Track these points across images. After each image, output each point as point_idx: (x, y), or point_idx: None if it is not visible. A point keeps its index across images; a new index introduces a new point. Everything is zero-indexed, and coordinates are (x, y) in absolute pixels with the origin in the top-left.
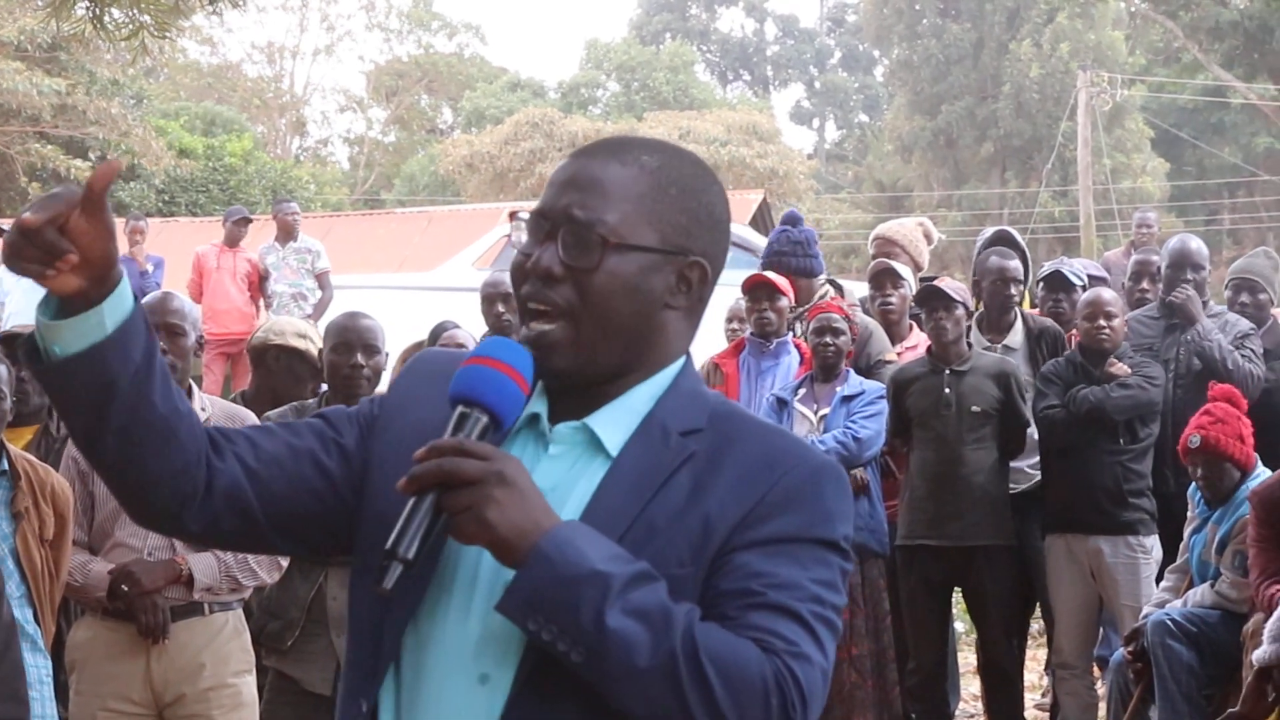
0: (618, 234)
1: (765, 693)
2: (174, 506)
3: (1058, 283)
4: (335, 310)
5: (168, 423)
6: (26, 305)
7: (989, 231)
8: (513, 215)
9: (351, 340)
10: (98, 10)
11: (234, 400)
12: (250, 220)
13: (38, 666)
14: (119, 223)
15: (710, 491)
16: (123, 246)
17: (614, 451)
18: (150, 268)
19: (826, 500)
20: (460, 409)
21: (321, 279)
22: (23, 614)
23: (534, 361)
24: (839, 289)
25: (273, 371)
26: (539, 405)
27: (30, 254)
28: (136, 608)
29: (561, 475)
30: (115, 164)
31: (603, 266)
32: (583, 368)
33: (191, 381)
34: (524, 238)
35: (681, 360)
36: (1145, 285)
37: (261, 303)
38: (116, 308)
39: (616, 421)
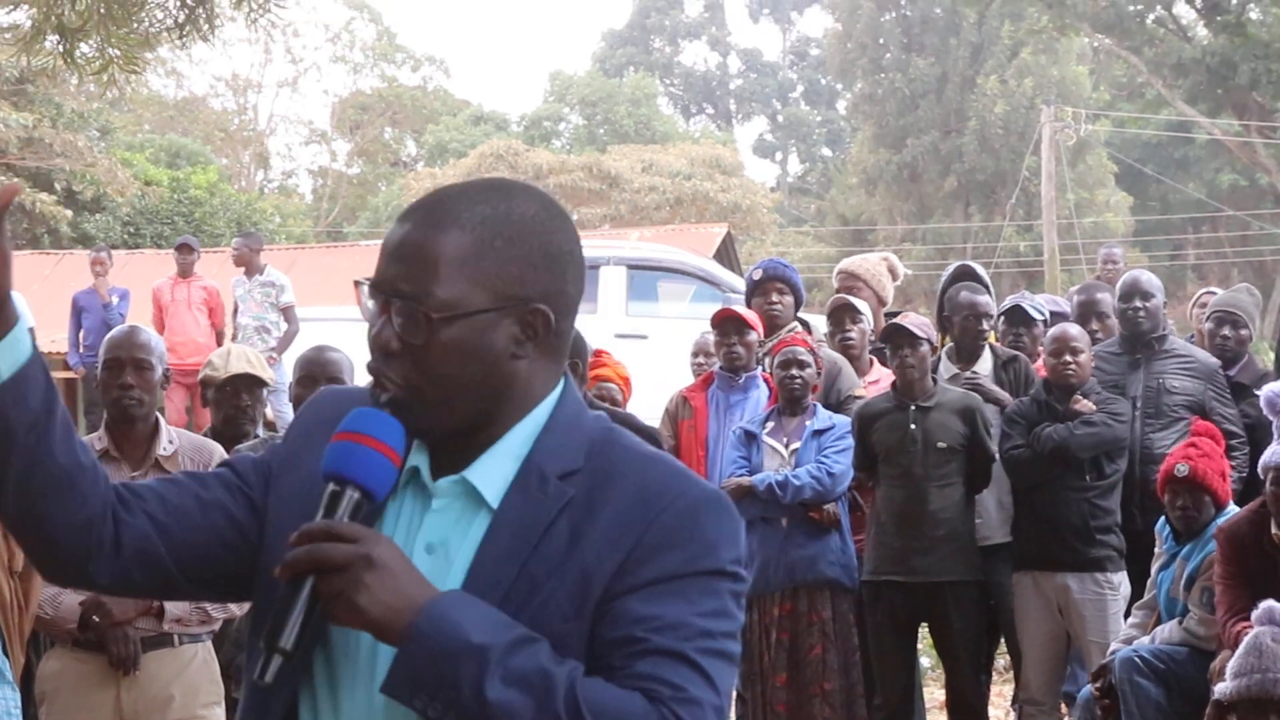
0: (445, 305)
1: None
2: (79, 559)
3: (1018, 317)
4: (302, 343)
5: (68, 474)
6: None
7: (952, 267)
8: (357, 284)
9: (316, 373)
10: (68, 45)
11: (205, 435)
12: (194, 250)
13: (6, 699)
14: (84, 254)
15: (587, 539)
16: (87, 279)
17: (494, 503)
18: (115, 299)
19: (706, 531)
20: (331, 487)
21: (287, 312)
22: None
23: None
24: (804, 324)
25: (207, 405)
26: (419, 459)
27: None
28: (107, 638)
29: (447, 530)
30: (13, 187)
31: (435, 340)
32: (436, 427)
33: (158, 414)
34: (370, 304)
35: (556, 392)
36: (1094, 325)
37: (227, 333)
38: (11, 353)
39: (494, 471)
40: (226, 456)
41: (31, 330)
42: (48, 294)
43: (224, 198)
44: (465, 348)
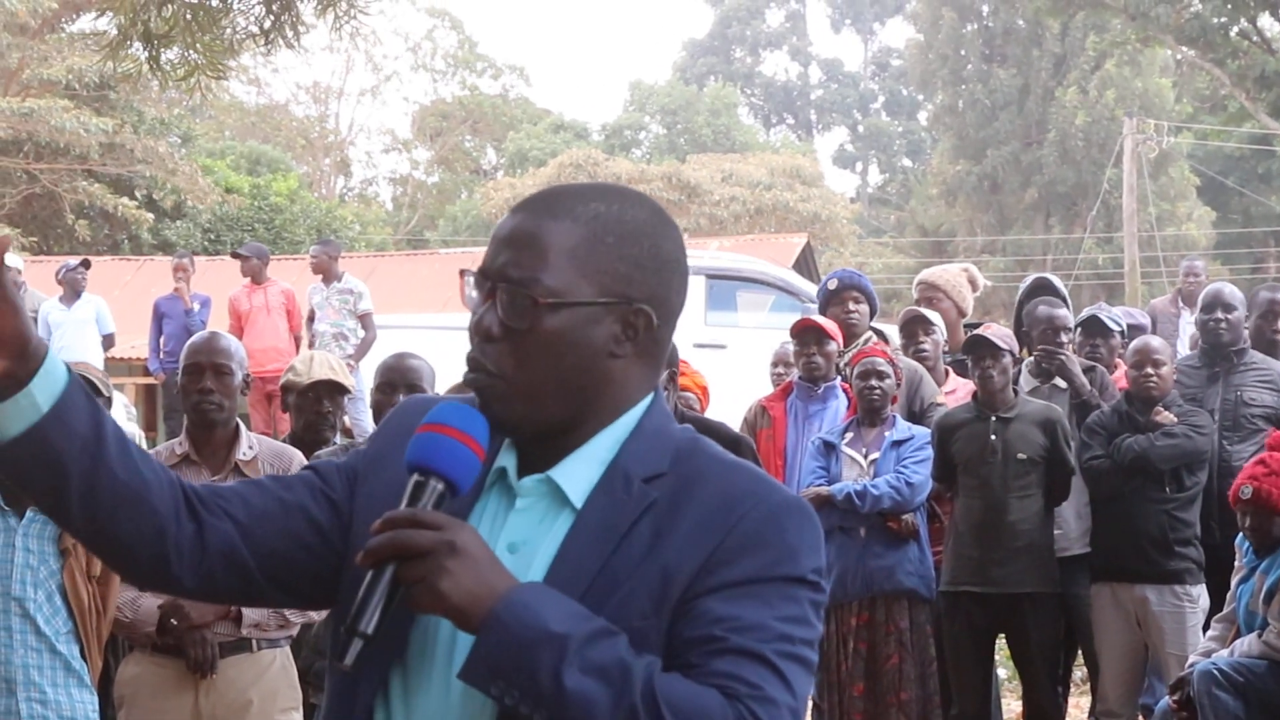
0: (553, 292)
1: None
2: (158, 566)
3: (1094, 328)
4: (380, 351)
5: (131, 489)
6: (77, 339)
7: (1029, 280)
8: (462, 273)
9: (396, 380)
10: (153, 51)
11: (284, 441)
12: (254, 258)
13: (84, 702)
14: (164, 259)
15: (669, 539)
16: (167, 284)
17: (578, 503)
18: (196, 306)
19: (788, 537)
20: (415, 478)
21: (365, 320)
22: (69, 650)
23: (481, 410)
24: (882, 335)
25: (288, 410)
26: (508, 459)
27: None
28: (185, 642)
29: (530, 530)
30: (5, 239)
31: (538, 326)
32: (524, 420)
33: (239, 420)
34: (474, 294)
35: (647, 401)
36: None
37: (304, 338)
38: (47, 385)
39: (579, 472)
40: (306, 462)
41: (112, 336)
42: (129, 299)
43: (304, 205)
44: (566, 338)
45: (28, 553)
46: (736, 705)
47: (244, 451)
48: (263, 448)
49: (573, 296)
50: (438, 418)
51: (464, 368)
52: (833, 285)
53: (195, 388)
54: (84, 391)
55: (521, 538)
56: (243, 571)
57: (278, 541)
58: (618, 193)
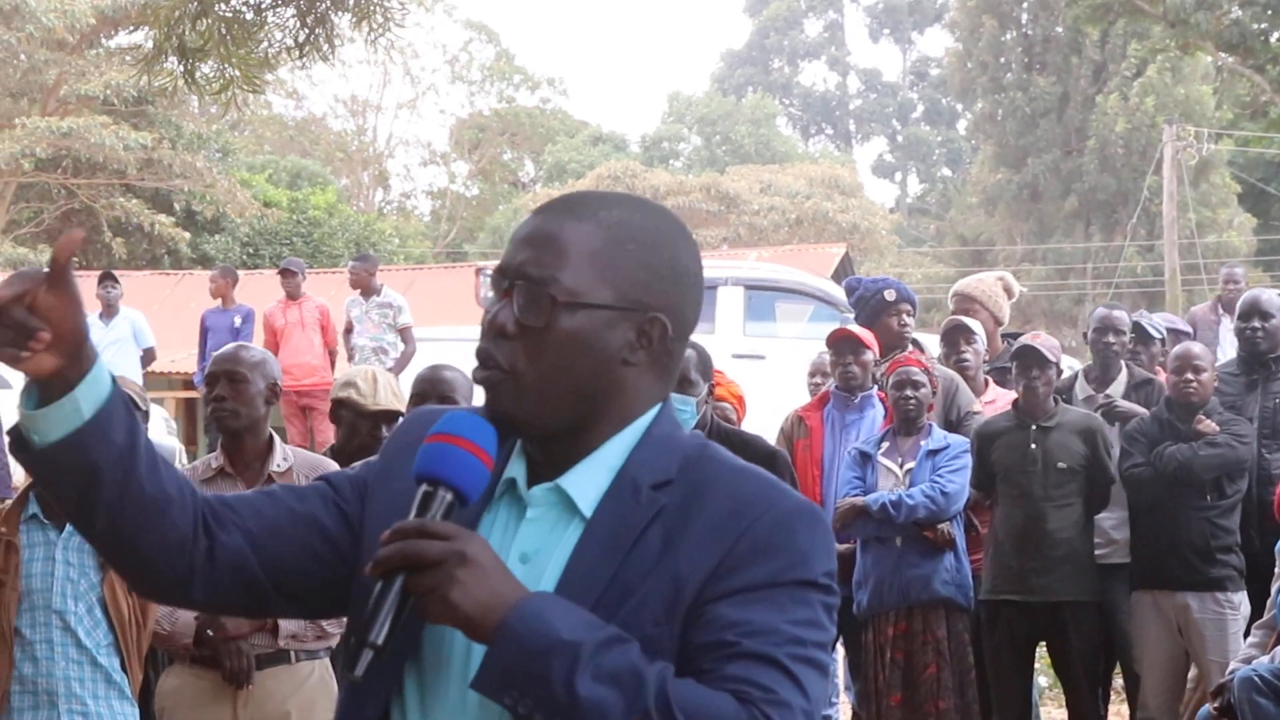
0: (570, 292)
1: None
2: (172, 580)
3: (1136, 335)
4: (420, 363)
5: (156, 503)
6: (115, 356)
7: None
8: (478, 271)
9: (429, 392)
10: (189, 65)
11: (326, 453)
12: (297, 273)
13: (125, 714)
14: (204, 274)
15: (680, 546)
16: (207, 299)
17: (587, 512)
18: (239, 320)
19: (799, 542)
20: (424, 488)
21: (404, 334)
22: (110, 662)
23: (486, 408)
24: (918, 345)
25: (338, 423)
26: (517, 469)
27: (3, 336)
28: (221, 654)
29: (541, 540)
30: (76, 236)
31: (554, 325)
32: (531, 419)
33: (273, 432)
34: (490, 294)
35: (655, 410)
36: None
37: (341, 353)
38: (92, 393)
39: (588, 480)
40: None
41: (152, 350)
42: (169, 314)
43: (342, 218)
44: (580, 340)
45: (68, 566)
46: (750, 709)
47: (278, 463)
48: (298, 459)
49: (590, 298)
50: (446, 428)
51: None
52: (889, 296)
53: (212, 395)
54: (125, 403)
55: (533, 548)
56: (252, 583)
57: (288, 553)
58: (640, 202)
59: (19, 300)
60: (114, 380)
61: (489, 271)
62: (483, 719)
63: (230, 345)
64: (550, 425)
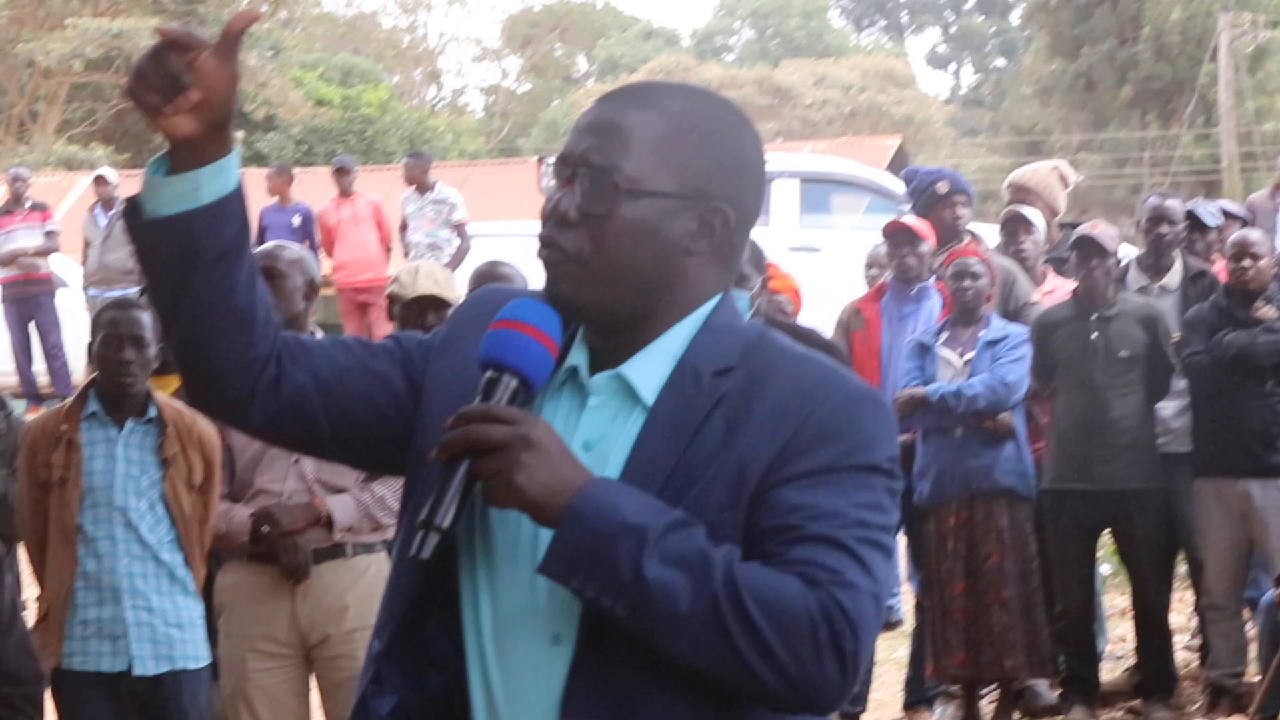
0: (633, 180)
1: (813, 626)
2: (238, 398)
3: (1191, 223)
4: (475, 260)
5: (244, 313)
6: None
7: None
8: (539, 160)
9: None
10: None
11: None
12: (349, 170)
13: (189, 609)
14: (258, 171)
15: (744, 432)
16: (260, 197)
17: (649, 399)
18: (298, 220)
19: (863, 427)
20: (489, 373)
21: (459, 229)
22: (173, 558)
23: (547, 291)
24: (975, 235)
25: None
26: (578, 357)
27: (153, 80)
28: (278, 549)
29: (604, 427)
30: (254, 12)
31: (616, 212)
32: (593, 304)
33: (315, 328)
34: (551, 182)
35: (715, 299)
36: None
37: (396, 249)
38: (216, 180)
39: (649, 368)
40: None
41: None
42: None
43: (395, 115)
44: (643, 227)
45: (129, 463)
46: (817, 591)
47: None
48: None
49: (653, 186)
50: (512, 314)
51: None
52: (942, 188)
53: None
54: (244, 206)
55: (596, 435)
56: (309, 422)
57: (352, 402)
58: (704, 93)
59: (183, 47)
60: (240, 181)
61: (550, 160)
62: (552, 603)
63: (268, 244)
64: (611, 312)
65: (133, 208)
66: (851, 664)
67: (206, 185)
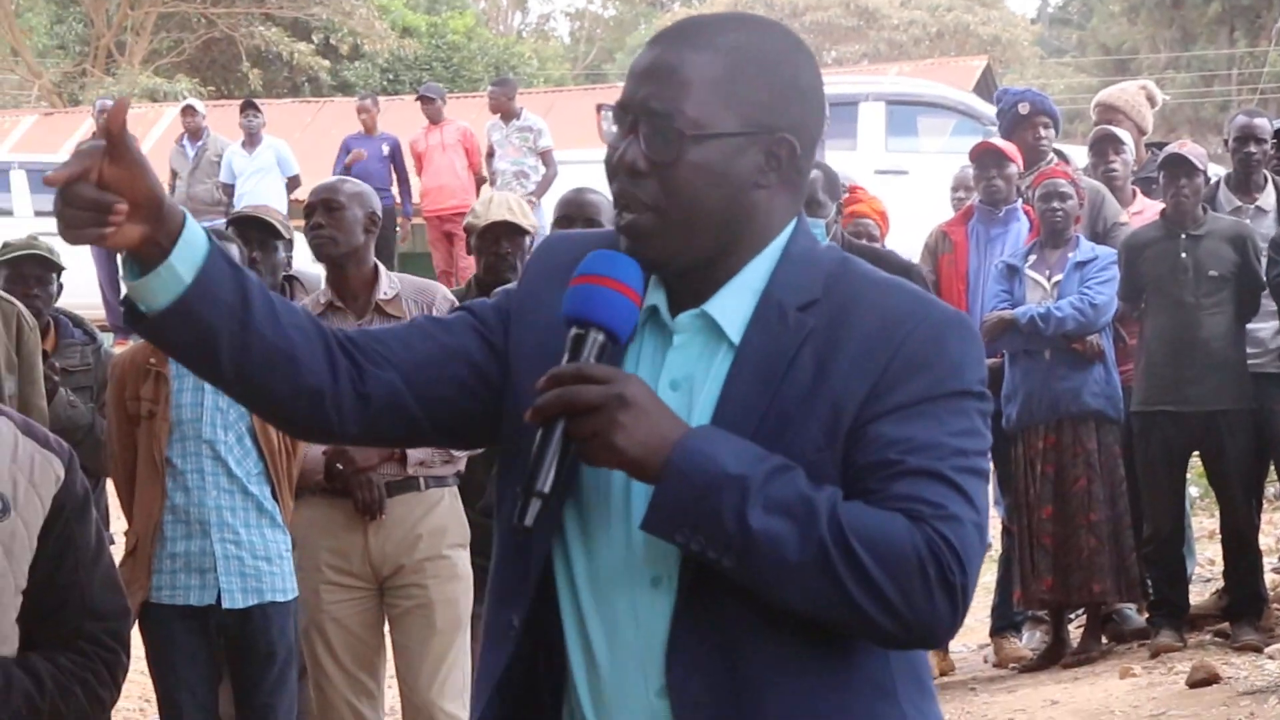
0: (696, 124)
1: (921, 563)
2: (316, 420)
3: (1278, 142)
4: (561, 187)
5: (283, 350)
6: (259, 184)
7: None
8: (600, 107)
9: (574, 215)
10: None
11: (469, 284)
12: (433, 99)
13: (277, 542)
14: (345, 101)
15: (834, 369)
16: (347, 126)
17: (735, 338)
18: (386, 149)
19: (952, 353)
20: (575, 331)
21: (545, 156)
22: (260, 491)
23: (630, 252)
24: (1063, 156)
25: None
26: (657, 297)
27: (82, 218)
28: (353, 486)
29: (690, 366)
30: (124, 101)
31: (684, 159)
32: (677, 255)
33: (377, 261)
34: (614, 129)
35: (790, 227)
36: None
37: (486, 176)
38: (188, 255)
39: (733, 304)
40: (449, 295)
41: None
42: (310, 141)
43: (481, 42)
44: (712, 170)
45: (217, 395)
46: (923, 527)
47: (384, 292)
48: (404, 285)
49: (717, 128)
50: (592, 268)
51: None
52: (1024, 109)
53: (309, 224)
54: (225, 258)
55: (682, 374)
56: (407, 417)
57: (439, 385)
58: (755, 21)
59: (82, 178)
60: (209, 237)
61: (610, 107)
62: (648, 557)
63: (330, 179)
64: (693, 258)
65: (133, 313)
66: (960, 598)
67: (182, 265)
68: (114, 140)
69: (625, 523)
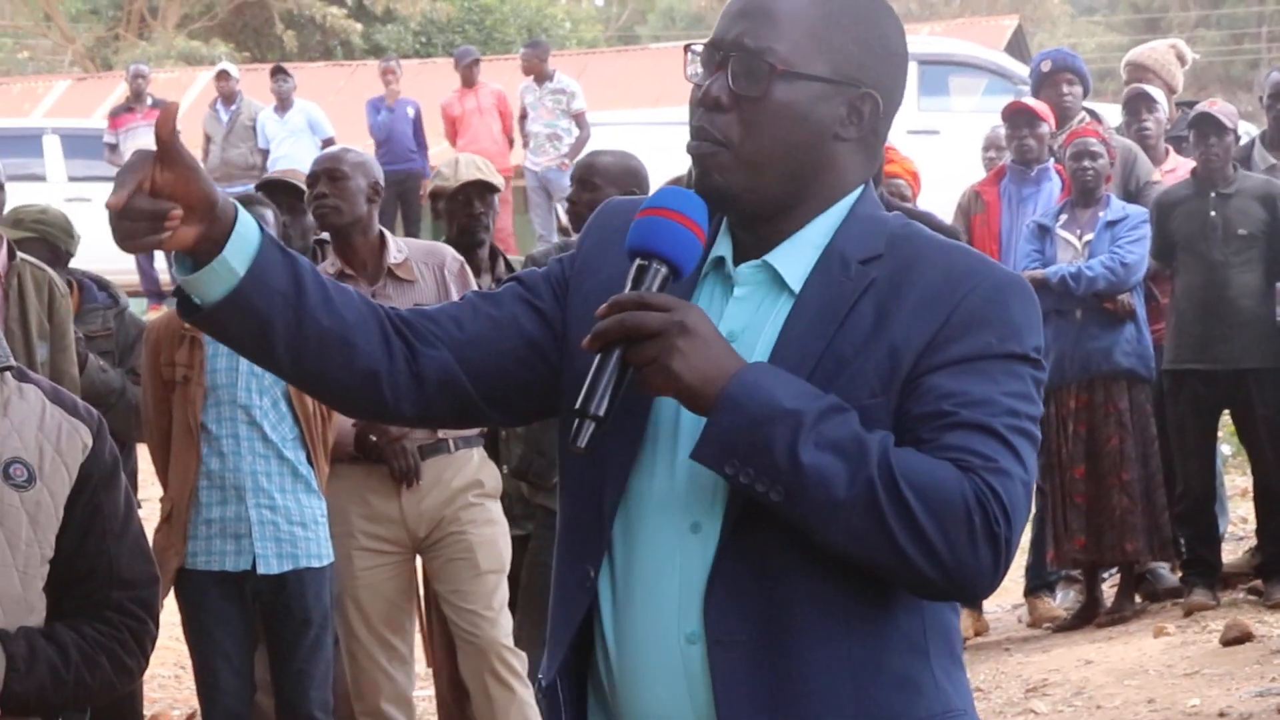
0: (787, 62)
1: (967, 512)
2: (374, 402)
3: None
4: (594, 149)
5: (337, 335)
6: (292, 148)
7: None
8: (687, 48)
9: (584, 177)
10: None
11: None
12: (465, 59)
13: (313, 507)
14: (375, 65)
15: (894, 318)
16: (378, 88)
17: (795, 287)
18: (411, 111)
19: (1012, 315)
20: (638, 262)
21: (579, 119)
22: (296, 456)
23: (699, 183)
24: (1095, 115)
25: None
26: (723, 247)
27: (137, 229)
28: (387, 454)
29: (750, 316)
30: (173, 107)
31: (770, 95)
32: (744, 192)
33: (382, 228)
34: (699, 70)
35: (860, 189)
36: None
37: (517, 139)
38: (241, 248)
39: (796, 256)
40: (457, 255)
41: (331, 140)
42: (343, 105)
43: (514, 4)
44: (796, 111)
45: None
46: (972, 477)
47: (393, 256)
48: (413, 249)
49: (806, 69)
50: (658, 202)
51: (676, 163)
52: (1046, 67)
53: (313, 194)
54: (278, 247)
55: (741, 325)
56: (461, 395)
57: (492, 362)
58: None
59: (138, 193)
60: (260, 227)
61: (698, 48)
62: (691, 490)
63: (332, 148)
64: (762, 199)
65: (188, 307)
66: (1004, 550)
67: (235, 259)
68: (165, 146)
69: (670, 458)
